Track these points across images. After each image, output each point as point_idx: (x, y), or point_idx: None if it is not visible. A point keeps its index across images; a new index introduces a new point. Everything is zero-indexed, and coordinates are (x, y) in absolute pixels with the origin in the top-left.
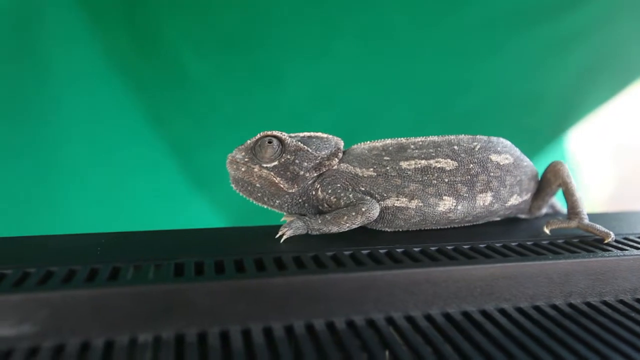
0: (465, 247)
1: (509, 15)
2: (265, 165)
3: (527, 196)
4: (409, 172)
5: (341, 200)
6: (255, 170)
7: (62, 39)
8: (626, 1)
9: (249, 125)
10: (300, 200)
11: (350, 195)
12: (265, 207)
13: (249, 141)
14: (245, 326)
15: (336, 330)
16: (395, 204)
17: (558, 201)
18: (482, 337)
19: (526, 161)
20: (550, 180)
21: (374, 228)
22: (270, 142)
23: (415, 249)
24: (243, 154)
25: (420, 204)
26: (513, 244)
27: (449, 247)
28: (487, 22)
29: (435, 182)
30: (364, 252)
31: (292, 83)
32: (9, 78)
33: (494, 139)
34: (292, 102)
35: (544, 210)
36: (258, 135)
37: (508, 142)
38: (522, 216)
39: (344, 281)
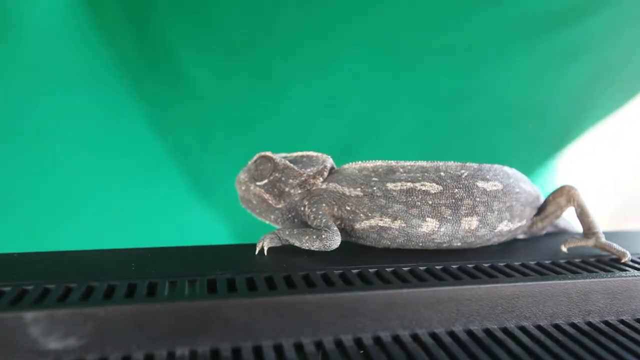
0: (485, 265)
1: (514, 26)
2: (258, 184)
3: (520, 223)
4: (394, 193)
5: (314, 221)
6: (252, 188)
7: (65, 45)
8: (631, 13)
9: (252, 132)
10: (290, 216)
11: (323, 220)
12: (268, 222)
13: (249, 162)
14: (277, 341)
15: (363, 345)
16: (379, 224)
17: (563, 220)
18: (504, 354)
19: (521, 188)
20: (560, 204)
21: (364, 244)
22: (262, 162)
23: (437, 267)
24: (245, 174)
25: (403, 225)
26: (532, 262)
27: (469, 266)
28: (492, 32)
29: (418, 203)
30: (388, 270)
31: (296, 91)
32: (11, 82)
33: (486, 166)
34: (296, 110)
35: (545, 231)
36: (255, 157)
37: (505, 170)
38: (521, 236)
39: (371, 298)
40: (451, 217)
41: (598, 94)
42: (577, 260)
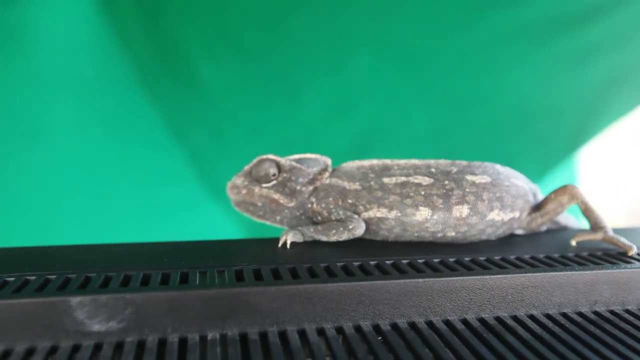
0: (496, 258)
1: (528, 29)
2: (264, 185)
3: (513, 214)
4: (389, 186)
5: (332, 216)
6: (256, 190)
7: (84, 52)
8: None
9: (266, 136)
10: (297, 214)
11: (341, 212)
12: (267, 223)
13: (246, 167)
14: (301, 326)
15: (382, 331)
16: (377, 215)
17: (564, 216)
18: (515, 340)
19: (511, 182)
20: (562, 202)
21: (365, 238)
22: (266, 164)
23: (451, 259)
24: (242, 179)
25: (398, 214)
26: (541, 255)
27: (481, 259)
28: (506, 35)
29: (412, 194)
30: (404, 261)
31: (310, 95)
32: (33, 87)
33: (476, 163)
34: (310, 114)
35: (545, 227)
36: (255, 160)
37: (496, 167)
38: (520, 232)
39: (389, 287)
40: (442, 206)
41: (613, 95)
42: (584, 253)
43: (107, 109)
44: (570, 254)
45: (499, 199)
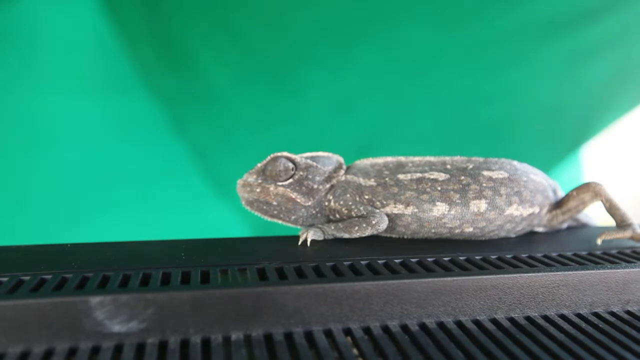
0: (523, 255)
1: (531, 28)
2: (280, 184)
3: (532, 209)
4: (405, 182)
5: (352, 212)
6: (271, 189)
7: (88, 51)
8: None
9: (271, 133)
10: (314, 212)
11: (361, 208)
12: (280, 222)
13: (259, 165)
14: (327, 327)
15: (410, 331)
16: (394, 211)
17: (583, 214)
18: (548, 340)
19: (529, 178)
20: (584, 199)
21: (381, 235)
22: (279, 162)
23: (477, 257)
24: (255, 176)
25: (415, 210)
26: (569, 253)
27: (508, 256)
28: (509, 34)
29: (429, 190)
30: (430, 259)
31: (314, 93)
32: (37, 87)
33: (492, 160)
34: (314, 112)
35: (566, 225)
36: (268, 158)
37: (513, 163)
38: (540, 229)
39: (416, 286)
40: (460, 201)
41: (615, 93)
42: (613, 251)
43: (111, 107)
44: (599, 252)
45: (517, 194)
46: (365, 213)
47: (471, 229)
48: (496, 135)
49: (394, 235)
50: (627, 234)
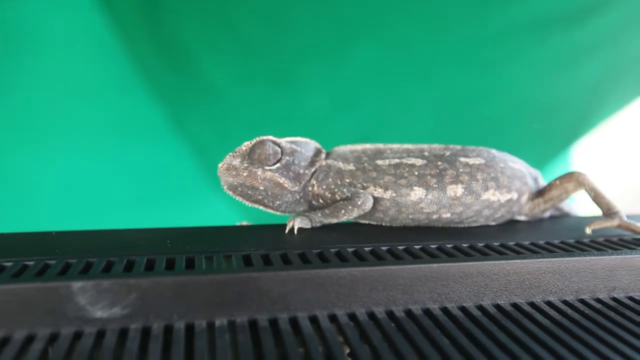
0: (510, 243)
1: (528, 25)
2: (268, 168)
3: (510, 195)
4: (383, 167)
5: (336, 195)
6: (259, 173)
7: (87, 50)
8: None
9: (270, 130)
10: (298, 197)
11: (345, 190)
12: (261, 208)
13: (243, 147)
14: (312, 313)
15: (396, 317)
16: (374, 194)
17: (566, 203)
18: (533, 326)
19: (506, 164)
20: (567, 189)
21: (358, 222)
22: (267, 146)
23: (464, 245)
24: (239, 159)
25: (393, 194)
26: (556, 241)
27: (495, 244)
28: (506, 31)
29: (406, 175)
30: (417, 246)
31: (313, 90)
32: (37, 88)
33: (470, 148)
34: (313, 109)
35: (548, 214)
36: (254, 141)
37: (491, 150)
38: (522, 218)
39: (402, 272)
40: (437, 185)
41: (609, 90)
42: (600, 239)
43: (111, 106)
44: (586, 240)
45: (494, 179)
46: (349, 195)
47: (448, 215)
48: (493, 131)
49: (372, 222)
50: (615, 222)
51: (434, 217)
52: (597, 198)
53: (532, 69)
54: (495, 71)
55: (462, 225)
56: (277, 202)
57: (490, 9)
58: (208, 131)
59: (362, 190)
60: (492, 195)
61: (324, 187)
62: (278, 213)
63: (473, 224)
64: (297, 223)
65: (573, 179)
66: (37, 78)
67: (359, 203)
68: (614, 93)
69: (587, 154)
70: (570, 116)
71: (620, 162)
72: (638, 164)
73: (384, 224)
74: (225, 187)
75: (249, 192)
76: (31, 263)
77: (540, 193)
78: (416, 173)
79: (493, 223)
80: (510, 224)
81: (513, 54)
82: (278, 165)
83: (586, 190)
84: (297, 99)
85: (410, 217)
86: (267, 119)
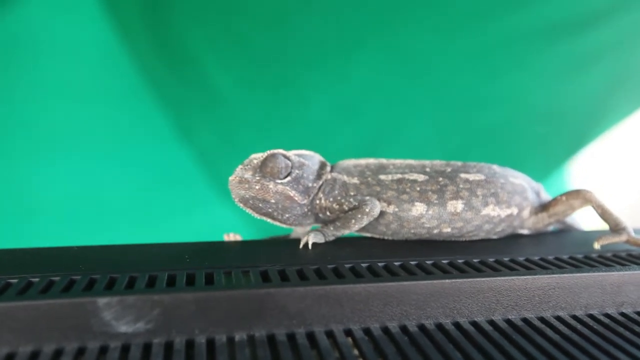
0: (520, 259)
1: (531, 33)
2: (279, 181)
3: (510, 210)
4: (386, 182)
5: (344, 206)
6: (271, 187)
7: (91, 56)
8: None
9: (274, 137)
10: (306, 210)
11: (351, 200)
12: (270, 221)
13: (254, 160)
14: (328, 327)
15: (409, 332)
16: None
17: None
18: (544, 341)
19: (507, 180)
20: (573, 205)
21: (360, 234)
22: (279, 160)
23: (475, 260)
24: (251, 172)
25: (396, 209)
26: (565, 256)
27: (505, 259)
28: (509, 39)
29: (408, 190)
30: (428, 262)
31: (317, 97)
32: (41, 94)
33: (471, 164)
34: (317, 116)
35: (551, 228)
36: (265, 154)
37: (492, 166)
38: (524, 232)
39: (415, 288)
40: (437, 201)
41: (614, 98)
42: (608, 254)
43: (114, 112)
44: (594, 255)
45: (494, 194)
46: (356, 204)
47: (449, 230)
48: (497, 139)
49: (375, 236)
50: (623, 237)
51: (435, 231)
52: (605, 215)
53: (537, 77)
54: (500, 79)
55: (463, 239)
56: (287, 215)
57: (495, 17)
58: (212, 137)
59: (367, 197)
60: (492, 211)
61: (331, 199)
62: (285, 226)
63: (474, 238)
64: (312, 239)
65: (580, 197)
66: (41, 82)
67: (367, 210)
68: (619, 101)
69: (592, 162)
70: (575, 123)
71: (625, 171)
72: None
73: (386, 237)
74: (236, 200)
75: (260, 205)
76: (57, 279)
77: (544, 207)
78: (418, 189)
79: (494, 237)
80: (519, 239)
81: (518, 62)
82: (289, 178)
83: (593, 207)
84: (301, 106)
85: (412, 231)
86: (271, 126)
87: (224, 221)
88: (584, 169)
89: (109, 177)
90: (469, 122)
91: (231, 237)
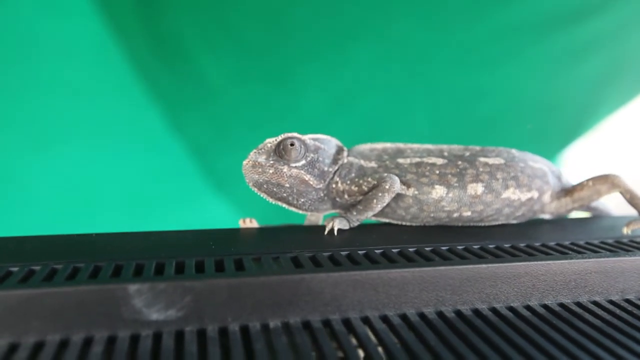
0: (551, 243)
1: (526, 25)
2: (294, 165)
3: (530, 193)
4: (405, 166)
5: (363, 187)
6: (285, 170)
7: (84, 51)
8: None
9: (268, 129)
10: (322, 195)
11: (369, 179)
12: (286, 206)
13: (268, 144)
14: (364, 314)
15: (446, 318)
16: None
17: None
18: (584, 325)
19: (526, 164)
20: (600, 190)
21: (378, 220)
22: (293, 143)
23: (506, 245)
24: (265, 156)
25: (415, 192)
26: (596, 241)
27: (536, 244)
28: (504, 31)
29: (427, 173)
30: (460, 247)
31: (312, 90)
32: (34, 89)
33: (490, 148)
34: (311, 109)
35: (573, 212)
36: (280, 137)
37: (511, 150)
38: (546, 216)
39: (451, 273)
40: (457, 184)
41: (608, 89)
42: (639, 239)
43: (108, 106)
44: (625, 240)
45: (514, 178)
46: (375, 182)
47: (469, 213)
48: (491, 130)
49: (393, 221)
50: None
51: (455, 215)
52: (634, 200)
53: (531, 68)
54: (494, 70)
55: (482, 224)
56: (302, 200)
57: (489, 9)
58: (206, 132)
59: (385, 175)
60: (513, 194)
61: (348, 182)
62: (301, 212)
63: (493, 222)
64: (337, 224)
65: (608, 182)
66: (32, 79)
67: (387, 187)
68: (613, 92)
69: (586, 154)
70: (569, 114)
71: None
72: (637, 163)
73: (404, 222)
74: (250, 184)
75: (275, 189)
76: (81, 265)
77: (567, 192)
78: (437, 172)
79: (514, 221)
80: (544, 225)
81: (512, 53)
82: (303, 162)
83: (621, 192)
84: (295, 99)
85: (432, 215)
86: (265, 119)
87: (217, 214)
88: (578, 160)
89: (101, 172)
90: (463, 114)
91: (247, 222)
